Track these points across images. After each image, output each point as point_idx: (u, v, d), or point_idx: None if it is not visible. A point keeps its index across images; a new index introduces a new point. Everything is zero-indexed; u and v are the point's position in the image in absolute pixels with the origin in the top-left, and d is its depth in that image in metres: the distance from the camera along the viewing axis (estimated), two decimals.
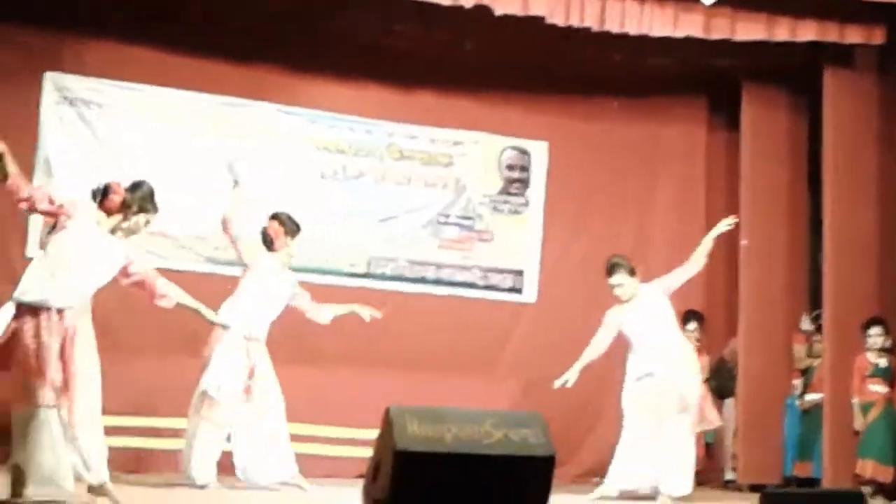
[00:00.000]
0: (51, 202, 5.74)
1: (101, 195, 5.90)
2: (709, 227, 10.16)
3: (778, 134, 9.85)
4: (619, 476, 7.71)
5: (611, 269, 7.87)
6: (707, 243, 8.16)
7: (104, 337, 6.09)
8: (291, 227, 7.56)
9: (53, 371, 5.60)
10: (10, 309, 5.69)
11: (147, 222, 6.03)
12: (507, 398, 9.28)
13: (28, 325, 5.63)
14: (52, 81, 8.86)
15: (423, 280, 9.88)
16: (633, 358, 7.86)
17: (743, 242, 9.58)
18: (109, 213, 5.90)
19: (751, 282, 9.59)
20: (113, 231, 5.92)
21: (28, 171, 8.63)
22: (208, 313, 6.50)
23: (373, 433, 4.10)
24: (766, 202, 9.66)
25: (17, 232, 8.58)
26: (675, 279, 8.02)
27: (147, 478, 7.66)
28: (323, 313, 7.81)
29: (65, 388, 5.63)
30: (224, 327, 6.88)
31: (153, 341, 8.49)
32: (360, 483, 4.14)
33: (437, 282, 9.92)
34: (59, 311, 5.68)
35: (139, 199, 5.96)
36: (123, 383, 7.33)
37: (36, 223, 8.60)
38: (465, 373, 9.51)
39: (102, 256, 5.86)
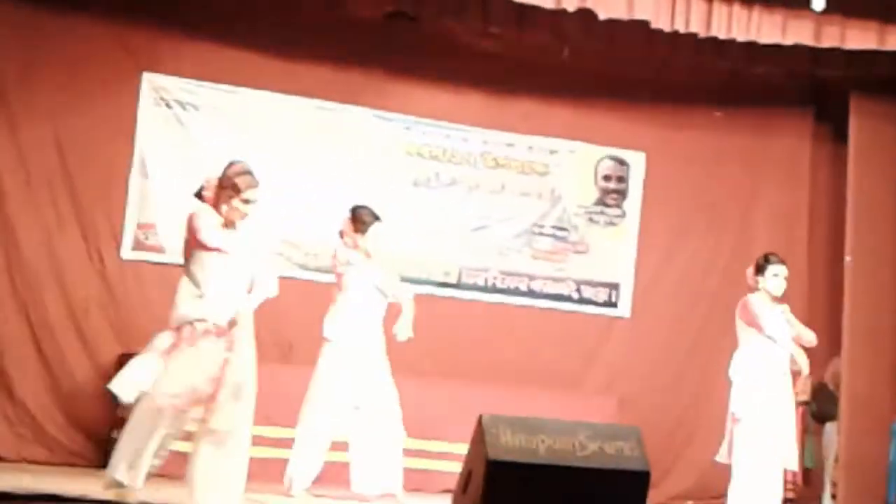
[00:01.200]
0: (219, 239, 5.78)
1: (199, 196, 5.91)
2: (811, 243, 9.99)
3: (887, 147, 9.50)
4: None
5: (768, 259, 7.43)
6: None
7: None
8: (363, 219, 7.34)
9: (204, 384, 5.66)
10: (168, 336, 5.75)
11: (255, 197, 5.93)
12: (600, 414, 9.03)
13: (186, 342, 5.70)
14: (150, 82, 8.86)
15: (515, 292, 9.72)
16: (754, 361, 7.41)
17: (847, 259, 9.25)
18: (217, 208, 5.87)
19: (855, 300, 9.25)
20: (228, 223, 5.88)
21: (124, 171, 8.71)
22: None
23: (462, 447, 3.98)
24: (873, 218, 9.32)
25: (110, 233, 8.63)
26: (797, 330, 7.56)
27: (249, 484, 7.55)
28: (405, 290, 7.59)
29: (211, 399, 5.68)
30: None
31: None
32: (447, 498, 4.01)
33: (530, 293, 9.75)
34: (217, 326, 5.74)
35: (233, 185, 5.87)
36: None
37: (131, 225, 8.66)
38: (557, 387, 9.34)
39: (238, 258, 5.87)
